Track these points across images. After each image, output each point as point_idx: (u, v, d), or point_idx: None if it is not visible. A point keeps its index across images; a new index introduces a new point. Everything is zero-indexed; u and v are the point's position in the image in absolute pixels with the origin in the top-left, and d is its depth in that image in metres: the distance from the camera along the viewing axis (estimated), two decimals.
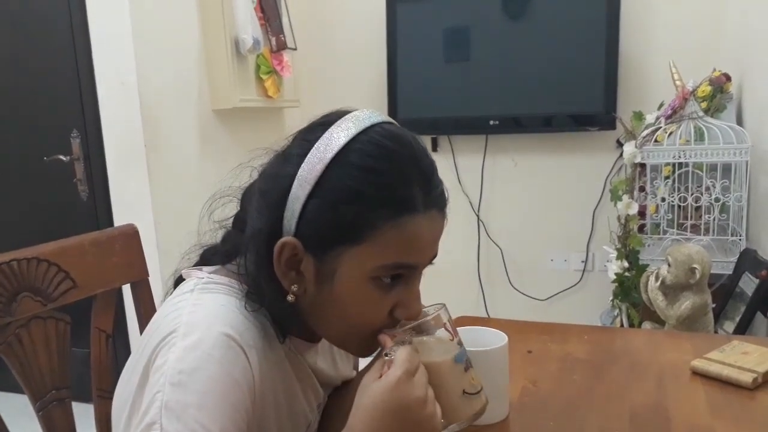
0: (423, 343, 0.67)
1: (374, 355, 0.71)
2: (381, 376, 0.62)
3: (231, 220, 0.76)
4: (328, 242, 0.63)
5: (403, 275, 0.66)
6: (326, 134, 0.64)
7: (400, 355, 0.62)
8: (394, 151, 0.64)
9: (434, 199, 0.65)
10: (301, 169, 0.63)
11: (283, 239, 0.64)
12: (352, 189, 0.62)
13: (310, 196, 0.62)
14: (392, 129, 0.66)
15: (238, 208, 0.75)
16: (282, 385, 0.72)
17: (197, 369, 0.59)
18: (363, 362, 0.93)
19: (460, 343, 0.68)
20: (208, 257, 0.75)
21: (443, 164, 2.77)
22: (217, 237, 0.76)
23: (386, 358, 0.63)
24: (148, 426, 0.56)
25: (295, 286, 0.66)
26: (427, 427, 0.61)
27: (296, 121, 0.77)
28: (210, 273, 0.71)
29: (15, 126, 2.48)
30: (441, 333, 0.68)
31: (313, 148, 0.63)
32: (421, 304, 0.68)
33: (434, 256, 0.69)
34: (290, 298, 0.66)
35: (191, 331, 0.61)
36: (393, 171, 0.63)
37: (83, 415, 0.98)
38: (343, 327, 0.69)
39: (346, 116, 0.66)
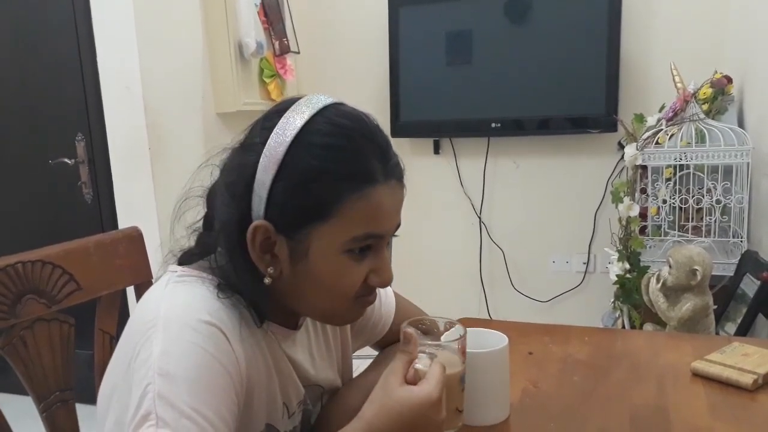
0: (443, 357, 0.69)
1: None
2: (404, 377, 0.64)
3: (201, 222, 0.77)
4: (299, 222, 0.66)
5: (372, 245, 0.69)
6: (283, 119, 0.67)
7: (437, 374, 0.64)
8: (350, 128, 0.67)
9: (392, 169, 0.68)
10: (263, 156, 0.65)
11: (254, 223, 0.66)
12: (314, 167, 0.65)
13: (275, 179, 0.65)
14: (345, 108, 0.69)
15: (205, 209, 0.77)
16: (263, 370, 0.72)
17: (183, 358, 0.60)
18: (356, 371, 0.94)
19: (463, 364, 0.73)
20: (185, 260, 0.76)
21: (445, 167, 2.77)
22: (192, 241, 0.77)
23: (416, 367, 0.65)
24: (144, 417, 0.57)
25: (271, 268, 0.68)
26: None
27: None
28: (183, 269, 0.72)
29: (20, 129, 2.49)
30: (456, 352, 0.72)
31: (273, 133, 0.66)
32: (391, 270, 0.71)
33: (398, 226, 0.72)
34: (267, 280, 0.68)
35: (171, 322, 0.63)
36: (351, 146, 0.66)
37: (87, 416, 0.98)
38: (323, 301, 0.71)
39: (300, 101, 0.69)
